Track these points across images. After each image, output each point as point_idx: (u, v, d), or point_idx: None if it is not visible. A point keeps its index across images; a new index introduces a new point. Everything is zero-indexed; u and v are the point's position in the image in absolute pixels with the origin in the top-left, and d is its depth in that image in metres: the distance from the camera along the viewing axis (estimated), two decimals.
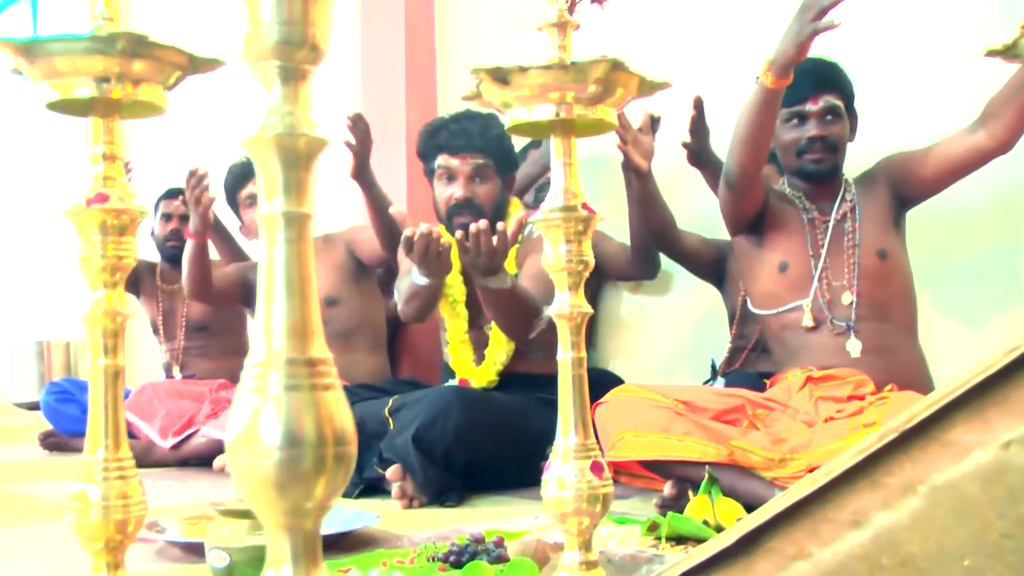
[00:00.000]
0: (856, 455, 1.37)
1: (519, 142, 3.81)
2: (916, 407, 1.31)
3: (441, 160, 3.38)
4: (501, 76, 1.01)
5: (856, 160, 3.16)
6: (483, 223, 2.98)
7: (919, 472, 1.34)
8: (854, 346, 2.92)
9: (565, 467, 1.02)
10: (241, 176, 4.15)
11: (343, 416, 0.61)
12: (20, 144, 9.49)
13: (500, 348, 3.44)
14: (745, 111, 2.87)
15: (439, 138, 3.41)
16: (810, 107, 2.96)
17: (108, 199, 0.95)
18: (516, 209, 3.53)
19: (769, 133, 2.90)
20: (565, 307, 1.05)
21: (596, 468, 1.01)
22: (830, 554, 1.40)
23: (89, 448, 0.95)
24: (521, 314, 3.23)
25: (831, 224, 3.00)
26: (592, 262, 1.05)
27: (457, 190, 3.35)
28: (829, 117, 2.97)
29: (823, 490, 1.39)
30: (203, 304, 4.38)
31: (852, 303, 2.94)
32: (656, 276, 4.01)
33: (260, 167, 0.62)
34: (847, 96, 3.02)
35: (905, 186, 3.03)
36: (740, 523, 1.37)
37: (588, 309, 1.05)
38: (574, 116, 1.03)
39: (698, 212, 3.87)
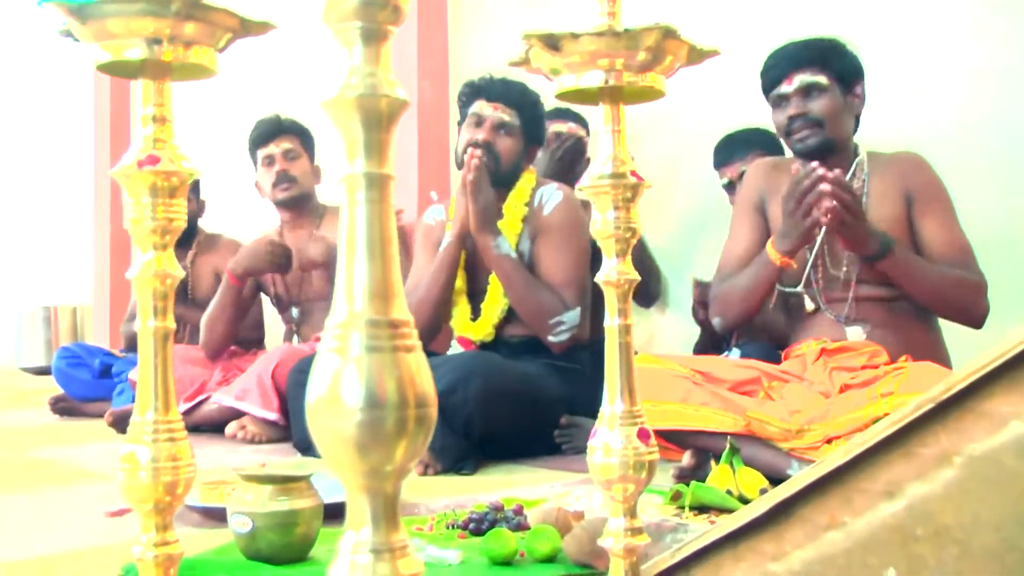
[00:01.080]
0: (890, 425, 1.38)
1: None
2: (953, 378, 1.31)
3: (475, 106, 3.46)
4: (552, 42, 1.00)
5: (883, 131, 3.14)
6: (479, 152, 3.35)
7: (954, 443, 1.34)
8: (855, 332, 2.92)
9: (611, 434, 1.02)
10: (262, 136, 4.12)
11: (424, 378, 0.60)
12: (27, 109, 9.46)
13: (495, 303, 3.46)
14: (747, 280, 3.00)
15: (480, 83, 3.53)
16: (785, 88, 2.96)
17: (159, 161, 0.94)
18: (528, 179, 3.54)
19: (765, 298, 3.04)
20: (612, 274, 1.05)
21: (643, 435, 1.01)
22: (863, 524, 1.41)
23: (139, 410, 0.95)
24: (531, 294, 3.33)
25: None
26: (640, 230, 1.05)
27: (480, 134, 3.43)
28: (810, 94, 2.94)
29: (856, 460, 1.39)
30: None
31: (850, 292, 2.94)
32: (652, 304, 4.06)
33: (340, 128, 0.62)
34: (836, 70, 2.96)
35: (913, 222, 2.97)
36: (772, 492, 1.38)
37: (635, 276, 1.05)
38: (623, 83, 1.02)
39: (700, 190, 3.88)
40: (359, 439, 0.59)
